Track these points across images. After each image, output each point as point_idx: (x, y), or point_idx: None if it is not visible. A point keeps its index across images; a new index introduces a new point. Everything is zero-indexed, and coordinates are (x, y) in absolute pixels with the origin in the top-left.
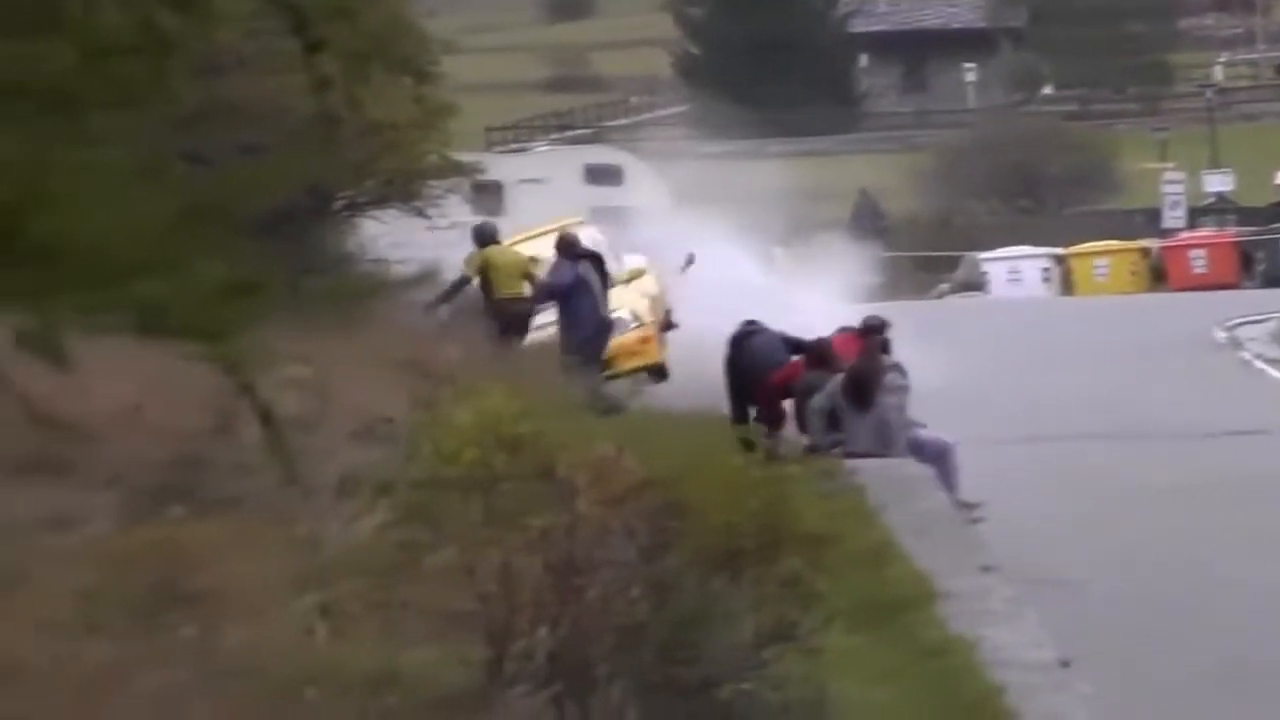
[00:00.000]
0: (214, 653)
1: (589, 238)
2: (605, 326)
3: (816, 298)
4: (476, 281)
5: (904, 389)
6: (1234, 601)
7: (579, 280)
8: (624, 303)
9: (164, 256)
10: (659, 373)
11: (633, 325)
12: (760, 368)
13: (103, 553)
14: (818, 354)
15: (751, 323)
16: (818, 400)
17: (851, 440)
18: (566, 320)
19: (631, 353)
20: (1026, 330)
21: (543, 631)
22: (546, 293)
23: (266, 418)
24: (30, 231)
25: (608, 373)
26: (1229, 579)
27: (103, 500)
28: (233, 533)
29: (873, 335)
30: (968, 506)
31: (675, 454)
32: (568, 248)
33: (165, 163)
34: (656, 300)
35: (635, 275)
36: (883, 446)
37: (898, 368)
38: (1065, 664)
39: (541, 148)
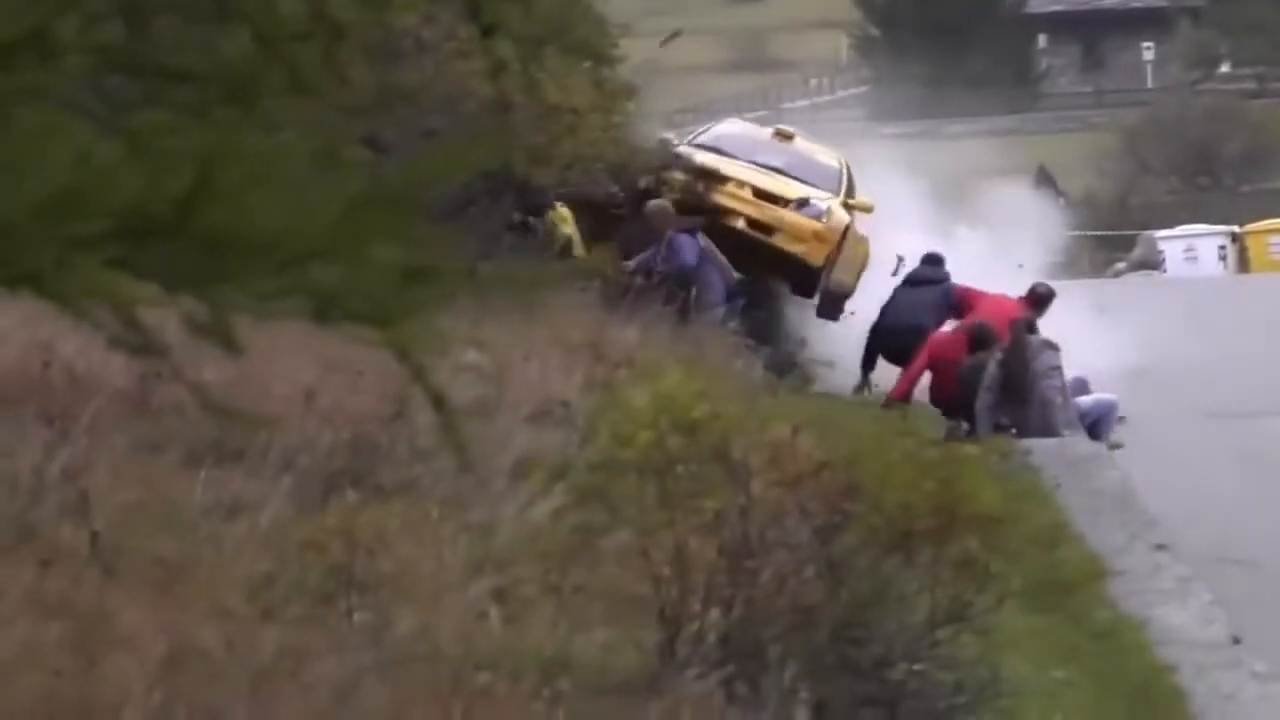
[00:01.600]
0: (388, 638)
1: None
2: (737, 294)
3: (1000, 275)
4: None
5: (1059, 368)
6: None
7: (703, 254)
8: (828, 202)
9: (339, 242)
10: (809, 285)
11: (821, 217)
12: (902, 329)
13: (277, 539)
14: (978, 338)
15: (932, 260)
16: (984, 398)
17: (1019, 425)
18: (699, 297)
19: (796, 236)
20: (1203, 308)
21: (715, 614)
22: (676, 273)
23: (439, 403)
24: (204, 218)
25: (765, 237)
26: None
27: (277, 486)
28: (407, 518)
29: (1022, 318)
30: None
31: (850, 435)
32: (667, 218)
33: (341, 149)
34: (857, 241)
35: (862, 207)
36: (1049, 429)
37: (1049, 345)
38: (1237, 641)
39: None
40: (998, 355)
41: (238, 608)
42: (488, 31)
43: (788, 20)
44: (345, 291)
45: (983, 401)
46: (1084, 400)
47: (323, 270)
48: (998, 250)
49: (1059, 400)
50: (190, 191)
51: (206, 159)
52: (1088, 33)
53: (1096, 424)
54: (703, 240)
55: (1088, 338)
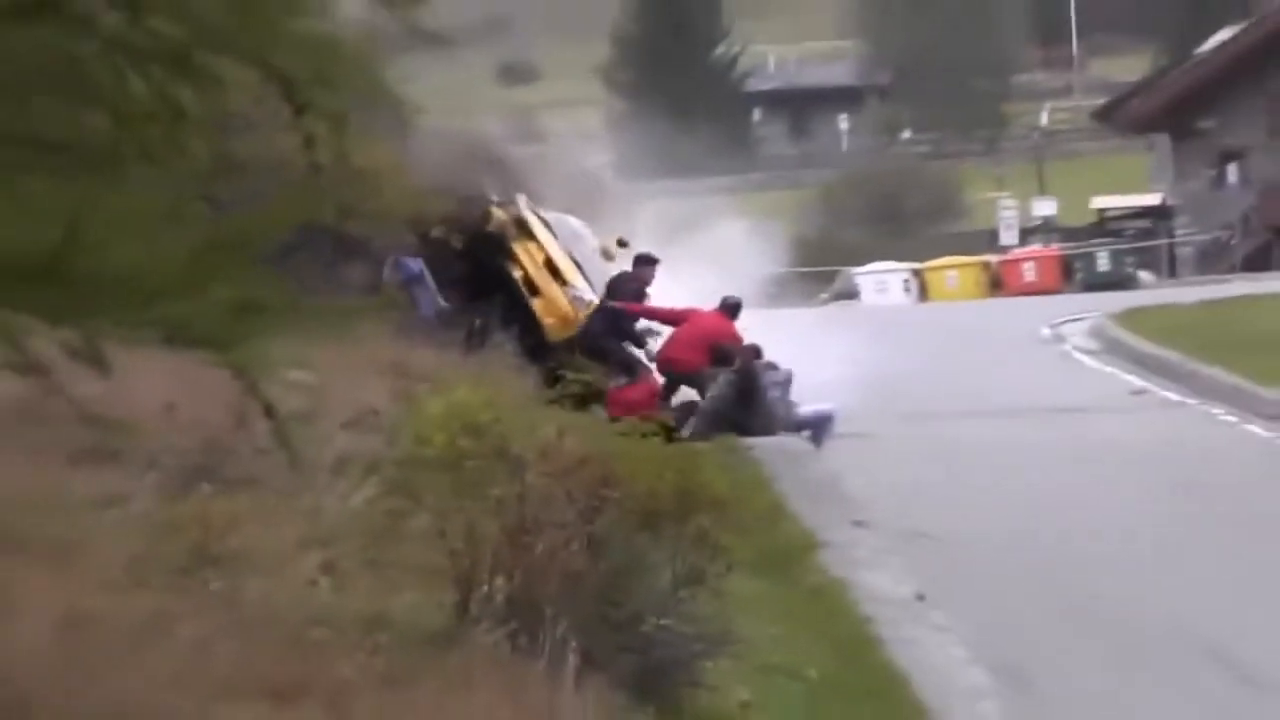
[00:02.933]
0: (238, 603)
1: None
2: (444, 314)
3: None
4: None
5: (781, 384)
6: (1074, 547)
7: (422, 273)
8: (551, 293)
9: (186, 283)
10: (540, 356)
11: (579, 307)
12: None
13: (146, 524)
14: (721, 355)
15: (640, 261)
16: (714, 405)
17: (744, 428)
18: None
19: (550, 309)
20: (890, 329)
21: (500, 580)
22: (403, 281)
23: (271, 412)
24: (76, 264)
25: (530, 295)
26: (1067, 529)
27: (145, 482)
28: (251, 505)
29: (750, 345)
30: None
31: (606, 436)
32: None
33: (187, 207)
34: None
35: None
36: (769, 432)
37: (773, 366)
38: (920, 598)
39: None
40: (730, 375)
41: (117, 579)
42: (299, 110)
43: (553, 98)
44: (190, 322)
45: (711, 406)
46: (803, 410)
47: (172, 305)
48: (721, 283)
49: (778, 410)
50: (62, 241)
51: (74, 215)
52: (795, 107)
53: (816, 430)
54: (421, 267)
55: (800, 355)
